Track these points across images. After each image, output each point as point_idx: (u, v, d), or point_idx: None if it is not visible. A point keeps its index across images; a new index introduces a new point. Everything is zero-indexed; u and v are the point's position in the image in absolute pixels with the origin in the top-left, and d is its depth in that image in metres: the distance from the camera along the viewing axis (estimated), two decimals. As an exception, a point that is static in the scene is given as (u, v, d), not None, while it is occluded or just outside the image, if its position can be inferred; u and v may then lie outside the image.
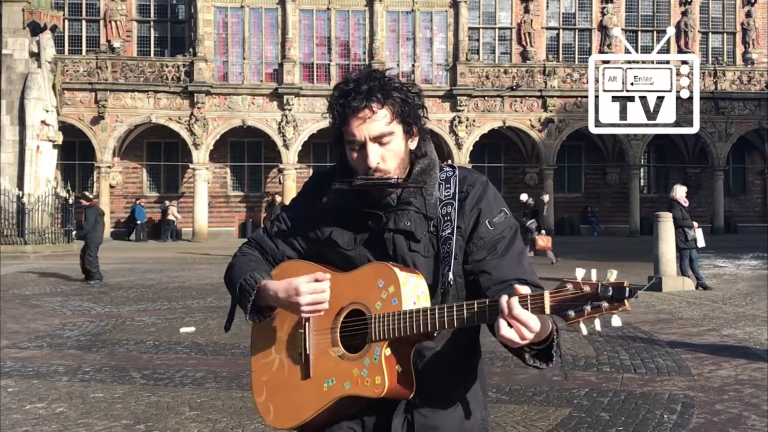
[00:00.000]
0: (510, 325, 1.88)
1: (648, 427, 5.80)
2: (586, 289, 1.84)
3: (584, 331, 1.88)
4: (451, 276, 2.11)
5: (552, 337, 2.00)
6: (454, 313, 1.99)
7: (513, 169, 39.67)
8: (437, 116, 35.84)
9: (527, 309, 1.87)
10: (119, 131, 34.91)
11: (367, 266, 2.17)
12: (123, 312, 12.16)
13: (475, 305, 1.97)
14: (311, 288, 2.12)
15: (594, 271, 1.86)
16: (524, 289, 1.91)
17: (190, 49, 35.33)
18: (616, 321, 1.85)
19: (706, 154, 39.00)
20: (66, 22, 35.15)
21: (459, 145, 35.95)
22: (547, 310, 1.87)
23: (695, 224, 15.28)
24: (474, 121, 36.17)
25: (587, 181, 40.85)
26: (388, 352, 2.08)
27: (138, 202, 36.07)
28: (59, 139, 27.17)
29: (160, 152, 37.90)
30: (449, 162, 34.42)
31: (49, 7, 27.72)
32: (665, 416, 6.05)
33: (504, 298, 1.90)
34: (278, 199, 22.91)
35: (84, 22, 37.23)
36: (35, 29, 26.37)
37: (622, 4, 39.43)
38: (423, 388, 2.16)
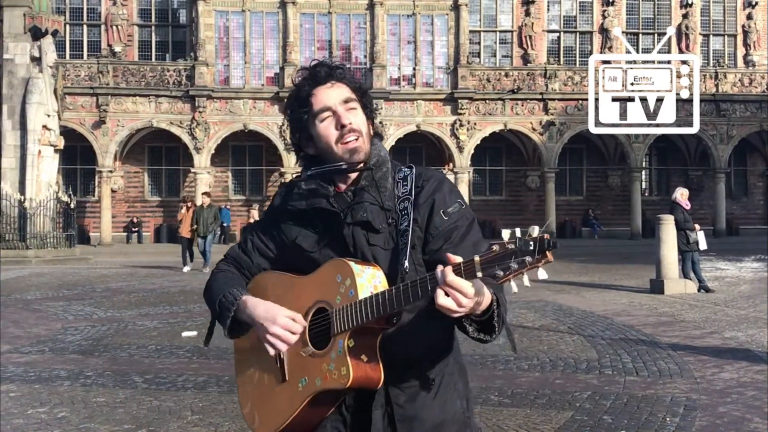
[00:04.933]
0: (447, 294, 1.93)
1: (650, 430, 5.79)
2: (510, 247, 1.90)
3: (514, 288, 1.96)
4: (407, 265, 2.17)
5: (492, 308, 2.06)
6: (401, 291, 2.05)
7: (514, 173, 39.70)
8: (438, 119, 35.88)
9: (461, 275, 1.93)
10: (120, 135, 34.94)
11: (325, 264, 2.25)
12: (125, 316, 12.16)
13: (418, 281, 2.03)
14: (286, 323, 2.19)
15: (518, 230, 1.94)
16: (456, 259, 1.96)
17: (192, 54, 35.35)
18: (542, 274, 1.91)
19: (707, 157, 38.97)
20: (67, 26, 35.18)
21: (460, 149, 35.94)
22: (479, 274, 1.92)
23: (697, 226, 15.27)
24: (475, 124, 36.17)
25: (589, 184, 40.84)
26: (351, 343, 2.14)
27: (225, 205, 35.78)
28: (61, 143, 27.18)
29: (161, 156, 37.94)
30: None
31: (50, 12, 27.70)
32: (668, 419, 6.04)
33: (439, 269, 1.95)
34: (206, 200, 20.75)
35: (85, 26, 37.28)
36: (36, 34, 26.39)
37: (623, 6, 39.45)
38: (398, 379, 2.23)
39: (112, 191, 36.03)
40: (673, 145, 39.96)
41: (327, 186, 2.30)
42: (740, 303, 13.35)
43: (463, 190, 36.25)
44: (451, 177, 37.43)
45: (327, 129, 2.28)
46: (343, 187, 2.32)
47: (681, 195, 15.37)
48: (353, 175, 2.31)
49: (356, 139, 2.26)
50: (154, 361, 8.68)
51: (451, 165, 36.98)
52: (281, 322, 2.19)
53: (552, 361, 8.34)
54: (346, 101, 2.28)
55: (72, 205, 27.62)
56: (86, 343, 9.92)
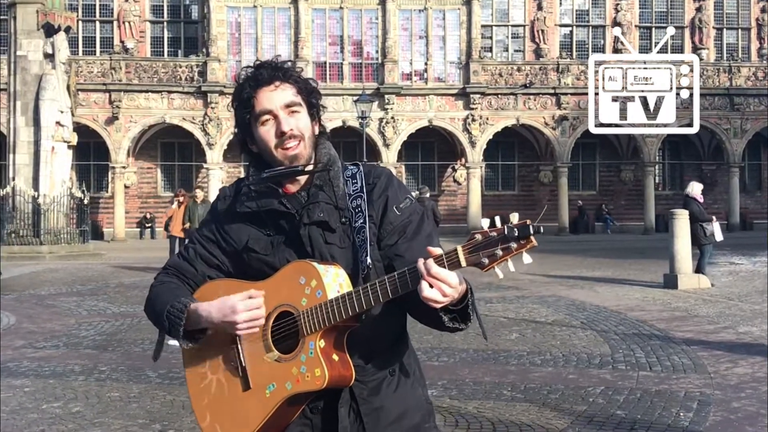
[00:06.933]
0: (431, 285, 1.95)
1: (664, 425, 5.77)
2: (493, 234, 1.93)
3: (500, 274, 1.97)
4: (369, 260, 2.18)
5: (467, 297, 2.07)
6: (378, 287, 2.05)
7: (527, 167, 39.61)
8: (450, 114, 35.82)
9: (444, 267, 1.95)
10: (133, 132, 35.07)
11: (285, 268, 2.22)
12: (138, 311, 12.17)
13: (396, 276, 2.04)
14: (248, 305, 2.15)
15: (497, 218, 1.96)
16: (437, 251, 1.98)
17: (204, 49, 35.44)
18: (526, 258, 1.93)
19: (721, 151, 38.78)
20: (80, 23, 35.30)
21: (472, 144, 35.89)
22: (464, 263, 1.94)
23: (713, 218, 15.24)
24: (487, 119, 36.10)
25: (602, 179, 40.72)
26: (322, 343, 2.12)
27: None
28: (74, 139, 27.26)
29: (174, 152, 38.06)
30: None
31: (63, 9, 27.76)
32: (681, 414, 6.02)
33: (421, 261, 1.97)
34: (201, 195, 19.12)
35: (98, 23, 37.39)
36: (49, 30, 26.47)
37: (636, 0, 39.25)
38: (360, 373, 2.22)
39: (126, 187, 36.17)
40: (686, 140, 39.74)
41: (276, 187, 2.27)
42: (754, 298, 13.28)
43: (476, 185, 36.25)
44: (463, 172, 37.47)
45: (267, 134, 2.25)
46: (290, 187, 2.30)
47: (696, 189, 15.32)
48: (303, 177, 2.29)
49: (297, 145, 2.24)
50: (168, 356, 8.66)
51: (463, 160, 36.95)
52: (242, 307, 2.14)
53: (565, 356, 8.32)
54: (289, 105, 2.25)
55: (85, 201, 27.75)
56: (100, 338, 9.97)
